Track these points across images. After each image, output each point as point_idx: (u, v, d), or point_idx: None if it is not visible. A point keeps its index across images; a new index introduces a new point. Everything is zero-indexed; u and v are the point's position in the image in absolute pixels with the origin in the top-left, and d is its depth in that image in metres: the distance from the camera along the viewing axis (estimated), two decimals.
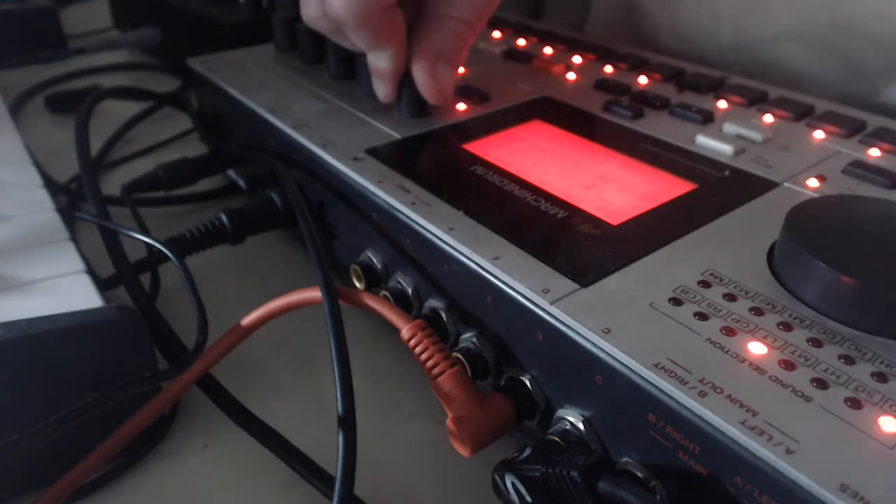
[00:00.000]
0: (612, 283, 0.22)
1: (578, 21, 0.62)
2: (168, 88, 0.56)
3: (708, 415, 0.18)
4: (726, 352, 0.20)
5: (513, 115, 0.35)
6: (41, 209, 0.32)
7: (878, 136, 0.31)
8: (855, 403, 0.18)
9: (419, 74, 0.33)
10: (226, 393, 0.27)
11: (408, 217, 0.27)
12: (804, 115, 0.34)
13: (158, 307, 0.30)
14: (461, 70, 0.41)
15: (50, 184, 0.38)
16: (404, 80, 0.34)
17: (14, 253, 0.29)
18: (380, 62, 0.33)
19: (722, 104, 0.36)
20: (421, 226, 0.26)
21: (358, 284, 0.30)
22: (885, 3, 0.39)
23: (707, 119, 0.34)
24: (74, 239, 0.30)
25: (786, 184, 0.28)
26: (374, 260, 0.30)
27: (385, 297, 0.28)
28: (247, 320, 0.26)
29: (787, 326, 0.20)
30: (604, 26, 0.57)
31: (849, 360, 0.19)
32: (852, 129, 0.32)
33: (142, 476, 0.26)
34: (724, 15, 0.47)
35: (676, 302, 0.21)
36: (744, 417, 0.17)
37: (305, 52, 0.42)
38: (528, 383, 0.23)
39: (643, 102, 0.36)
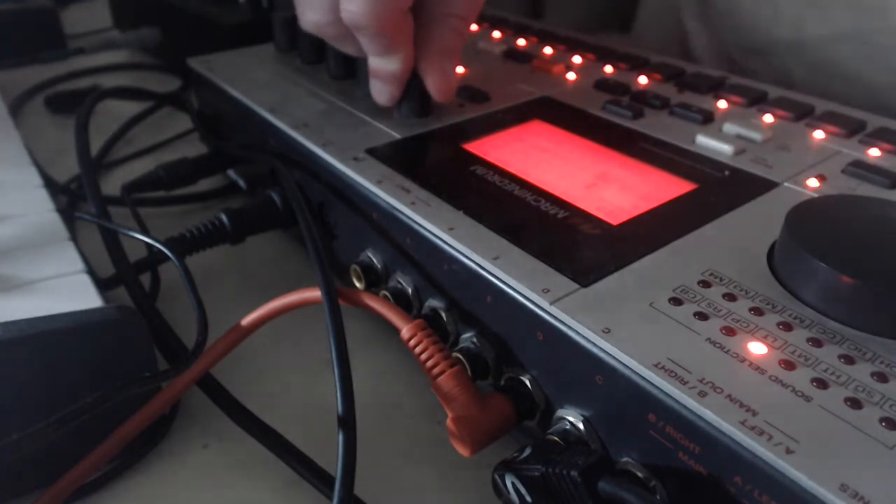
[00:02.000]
0: (612, 283, 0.22)
1: (578, 21, 0.62)
2: (168, 88, 0.56)
3: (708, 415, 0.18)
4: (726, 352, 0.20)
5: (513, 115, 0.35)
6: (41, 209, 0.32)
7: (878, 136, 0.31)
8: (855, 403, 0.18)
9: (431, 75, 0.33)
10: (226, 393, 0.27)
11: (408, 217, 0.27)
12: (804, 115, 0.34)
13: (158, 307, 0.30)
14: (461, 69, 0.41)
15: (50, 184, 0.38)
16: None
17: (14, 253, 0.29)
18: (390, 65, 0.33)
19: (722, 104, 0.36)
20: (421, 226, 0.26)
21: (358, 284, 0.30)
22: None
23: (707, 119, 0.34)
24: (74, 239, 0.30)
25: (786, 184, 0.28)
26: (374, 260, 0.30)
27: (385, 297, 0.28)
28: (247, 320, 0.26)
29: (787, 326, 0.20)
30: (651, 36, 0.57)
31: (849, 360, 0.19)
32: (852, 129, 0.32)
33: (142, 476, 0.26)
34: (784, 12, 0.46)
35: (676, 302, 0.21)
36: (744, 417, 0.17)
37: (305, 52, 0.42)
38: (528, 383, 0.23)
39: (643, 102, 0.36)
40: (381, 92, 0.34)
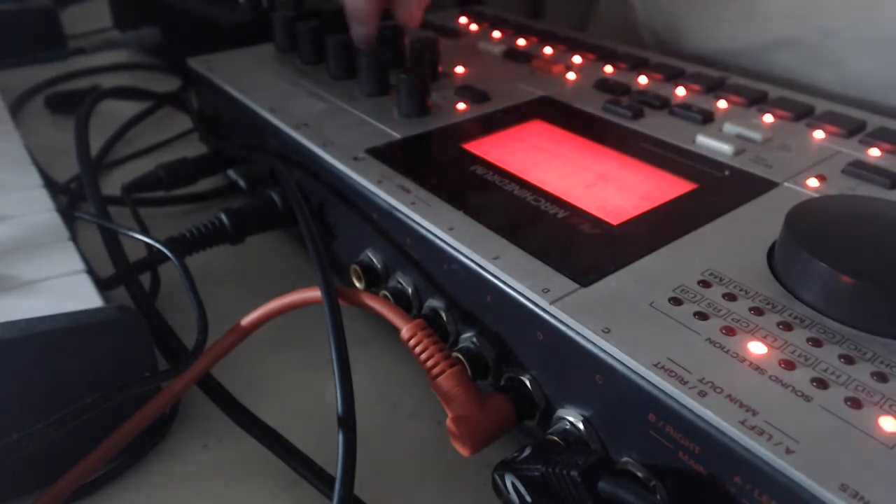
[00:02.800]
0: (612, 282, 0.22)
1: (578, 21, 0.62)
2: (168, 88, 0.56)
3: (708, 414, 0.18)
4: (726, 351, 0.20)
5: (513, 115, 0.35)
6: (41, 209, 0.32)
7: (878, 136, 0.31)
8: (855, 403, 0.18)
9: (399, 8, 0.41)
10: (226, 393, 0.27)
11: (408, 217, 0.27)
12: (804, 115, 0.34)
13: (158, 307, 0.30)
14: (461, 69, 0.41)
15: (50, 184, 0.38)
16: (402, 80, 0.34)
17: (14, 253, 0.29)
18: (359, 2, 0.39)
19: (722, 104, 0.36)
20: (421, 226, 0.26)
21: (358, 284, 0.30)
22: (864, 9, 0.41)
23: (707, 119, 0.34)
24: (74, 239, 0.30)
25: (786, 184, 0.28)
26: (374, 260, 0.30)
27: (385, 297, 0.28)
28: (247, 320, 0.26)
29: (787, 326, 0.20)
30: (606, 29, 0.58)
31: (849, 360, 0.19)
32: (852, 129, 0.32)
33: (142, 476, 0.26)
34: (724, 25, 0.48)
35: (676, 302, 0.21)
36: (744, 417, 0.17)
37: (305, 52, 0.42)
38: (528, 383, 0.23)
39: (643, 102, 0.36)
40: (357, 32, 0.40)
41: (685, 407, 0.18)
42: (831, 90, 0.43)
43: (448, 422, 0.23)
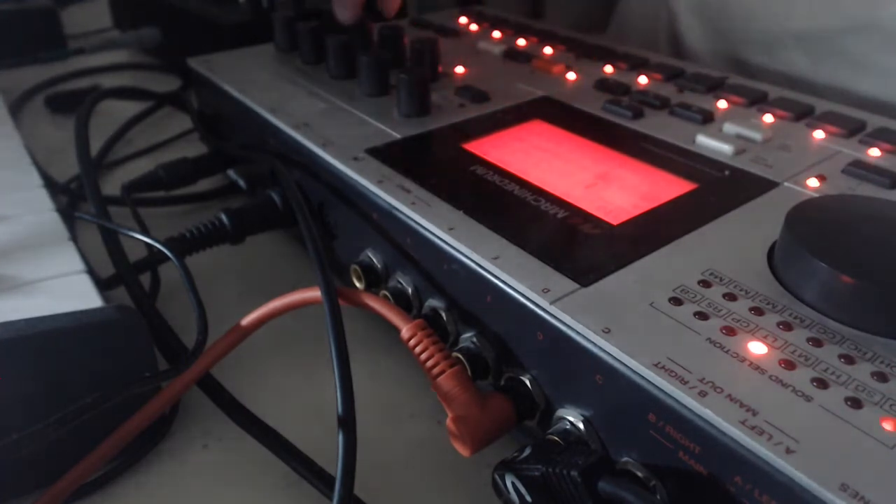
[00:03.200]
0: (612, 282, 0.22)
1: (578, 21, 0.62)
2: (168, 88, 0.56)
3: (708, 414, 0.18)
4: (726, 351, 0.20)
5: (513, 115, 0.35)
6: (41, 209, 0.32)
7: (878, 136, 0.31)
8: (855, 403, 0.18)
9: None
10: (226, 393, 0.27)
11: (408, 217, 0.27)
12: (804, 115, 0.34)
13: (158, 307, 0.30)
14: (461, 69, 0.41)
15: (50, 184, 0.38)
16: (402, 80, 0.34)
17: (14, 253, 0.29)
18: None
19: (722, 104, 0.36)
20: (421, 226, 0.26)
21: (358, 284, 0.30)
22: None
23: (707, 119, 0.34)
24: (74, 239, 0.30)
25: (786, 184, 0.28)
26: (374, 260, 0.30)
27: (385, 297, 0.28)
28: (247, 320, 0.26)
29: (787, 326, 0.20)
30: (626, 33, 0.58)
31: (849, 360, 0.19)
32: (852, 129, 0.32)
33: (142, 476, 0.26)
34: (797, 5, 0.47)
35: (676, 301, 0.21)
36: (744, 417, 0.17)
37: (305, 52, 0.42)
38: (528, 383, 0.23)
39: (643, 102, 0.36)
40: (340, 12, 0.41)
41: (685, 407, 0.18)
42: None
43: (448, 422, 0.23)
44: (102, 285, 0.30)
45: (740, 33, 0.50)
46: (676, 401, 0.18)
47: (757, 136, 0.32)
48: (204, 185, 0.41)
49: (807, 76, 0.46)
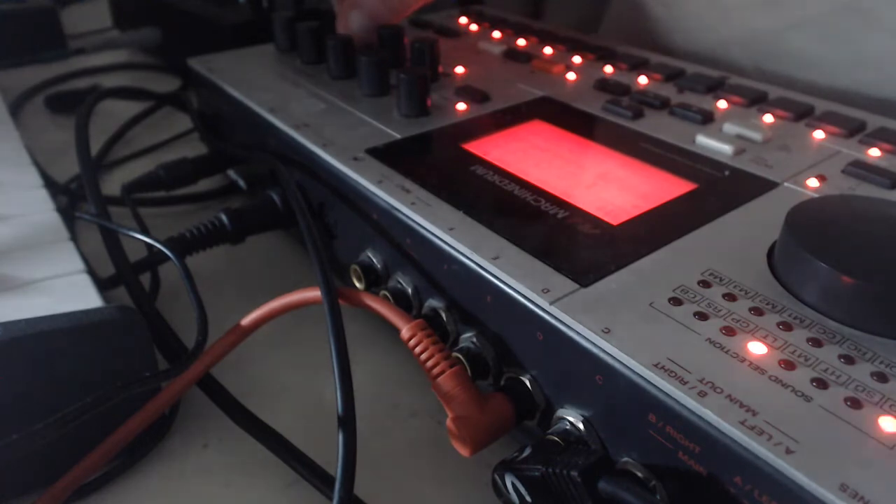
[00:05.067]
0: (612, 283, 0.22)
1: (578, 21, 0.62)
2: (168, 88, 0.56)
3: (708, 415, 0.18)
4: (726, 352, 0.20)
5: (513, 115, 0.35)
6: (41, 209, 0.32)
7: (878, 136, 0.31)
8: (855, 403, 0.18)
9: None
10: (226, 393, 0.27)
11: (408, 217, 0.27)
12: (804, 115, 0.34)
13: (158, 307, 0.30)
14: (461, 69, 0.41)
15: (50, 184, 0.38)
16: (402, 80, 0.34)
17: (14, 253, 0.29)
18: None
19: (722, 104, 0.36)
20: (421, 226, 0.26)
21: (358, 284, 0.30)
22: None
23: (707, 119, 0.34)
24: (74, 239, 0.30)
25: (786, 184, 0.28)
26: (374, 260, 0.30)
27: (385, 297, 0.28)
28: (247, 320, 0.26)
29: (787, 326, 0.20)
30: (617, 30, 0.58)
31: (849, 360, 0.19)
32: (852, 129, 0.32)
33: (142, 476, 0.26)
34: (732, 10, 0.47)
35: (676, 302, 0.21)
36: (744, 417, 0.17)
37: (305, 52, 0.42)
38: (528, 383, 0.23)
39: (643, 102, 0.36)
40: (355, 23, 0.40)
41: (685, 407, 0.18)
42: (843, 71, 0.42)
43: (448, 422, 0.23)
44: (102, 285, 0.30)
45: (685, 44, 0.50)
46: (676, 401, 0.18)
47: (757, 136, 0.32)
48: (204, 185, 0.41)
49: (755, 78, 0.46)
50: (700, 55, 0.49)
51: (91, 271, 0.28)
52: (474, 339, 0.25)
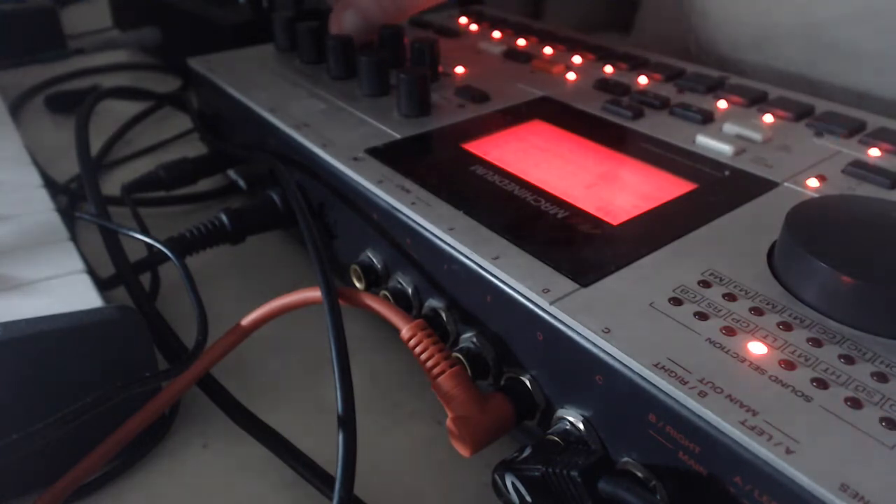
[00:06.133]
0: (612, 283, 0.22)
1: (579, 21, 0.62)
2: (168, 88, 0.56)
3: (708, 415, 0.18)
4: (726, 352, 0.20)
5: (513, 115, 0.35)
6: (41, 209, 0.32)
7: (878, 136, 0.31)
8: (855, 403, 0.18)
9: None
10: (226, 393, 0.27)
11: (408, 217, 0.27)
12: (804, 115, 0.34)
13: (158, 307, 0.30)
14: (461, 69, 0.41)
15: (50, 184, 0.38)
16: (402, 80, 0.34)
17: (14, 253, 0.29)
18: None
19: (722, 104, 0.36)
20: (421, 226, 0.26)
21: (358, 284, 0.30)
22: None
23: (707, 119, 0.34)
24: (74, 239, 0.30)
25: (786, 184, 0.28)
26: (374, 260, 0.30)
27: (385, 297, 0.28)
28: (247, 320, 0.26)
29: (787, 326, 0.20)
30: (652, 34, 0.57)
31: (849, 360, 0.19)
32: (852, 129, 0.32)
33: (142, 476, 0.26)
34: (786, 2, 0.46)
35: (676, 302, 0.21)
36: (744, 417, 0.17)
37: (305, 52, 0.42)
38: (528, 383, 0.23)
39: (643, 102, 0.36)
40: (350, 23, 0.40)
41: (685, 407, 0.18)
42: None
43: (448, 422, 0.23)
44: (102, 285, 0.30)
45: (734, 31, 0.49)
46: (676, 401, 0.18)
47: (757, 136, 0.32)
48: (204, 185, 0.41)
49: (800, 72, 0.46)
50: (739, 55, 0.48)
51: (91, 271, 0.28)
52: (474, 339, 0.25)
